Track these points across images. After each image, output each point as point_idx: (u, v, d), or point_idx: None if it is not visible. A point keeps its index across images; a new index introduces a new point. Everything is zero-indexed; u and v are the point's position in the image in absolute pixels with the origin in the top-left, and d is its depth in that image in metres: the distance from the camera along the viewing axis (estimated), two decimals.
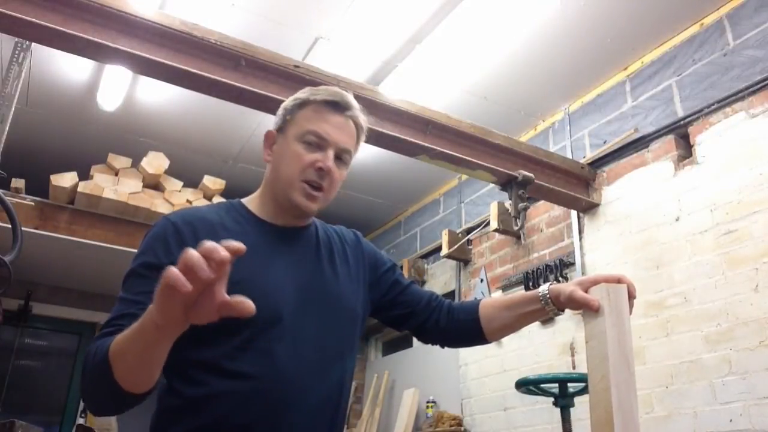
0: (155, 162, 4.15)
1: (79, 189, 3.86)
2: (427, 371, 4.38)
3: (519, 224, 3.09)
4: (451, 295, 4.30)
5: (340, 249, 1.26)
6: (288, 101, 1.23)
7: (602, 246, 3.29)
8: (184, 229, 1.09)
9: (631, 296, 1.11)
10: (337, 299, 1.18)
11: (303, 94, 1.21)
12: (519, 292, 1.29)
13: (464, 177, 4.40)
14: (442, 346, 1.39)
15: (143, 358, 0.84)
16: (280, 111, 1.23)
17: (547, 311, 1.20)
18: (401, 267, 4.65)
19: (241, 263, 1.07)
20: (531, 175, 3.05)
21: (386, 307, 1.32)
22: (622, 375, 1.02)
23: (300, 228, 1.21)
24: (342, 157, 1.17)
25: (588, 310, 1.09)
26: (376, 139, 2.82)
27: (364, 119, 1.22)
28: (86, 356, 0.94)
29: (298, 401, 1.06)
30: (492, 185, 3.42)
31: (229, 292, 1.03)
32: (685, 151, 3.04)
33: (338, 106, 1.17)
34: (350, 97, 1.20)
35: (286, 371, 1.05)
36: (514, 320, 1.26)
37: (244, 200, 1.23)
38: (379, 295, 1.31)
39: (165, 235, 1.09)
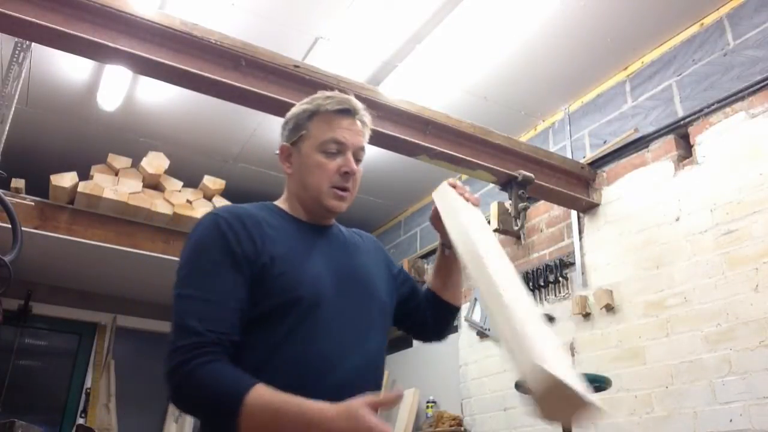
0: (155, 162, 4.15)
1: (79, 189, 3.86)
2: (427, 371, 4.38)
3: (519, 224, 3.09)
4: None
5: (365, 247, 1.37)
6: (296, 113, 1.27)
7: (602, 246, 3.29)
8: (234, 222, 1.14)
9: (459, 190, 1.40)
10: (370, 289, 1.27)
11: (309, 105, 1.26)
12: None
13: (464, 177, 4.40)
14: (438, 338, 1.51)
15: None
16: (289, 124, 1.28)
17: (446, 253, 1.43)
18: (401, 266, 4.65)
19: (284, 254, 1.15)
20: (531, 175, 3.05)
21: (407, 314, 1.44)
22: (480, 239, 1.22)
23: (328, 226, 1.31)
24: (359, 156, 1.27)
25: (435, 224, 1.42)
26: (376, 139, 2.79)
27: (369, 117, 1.31)
28: (194, 374, 0.96)
29: (340, 379, 1.11)
30: (492, 185, 3.42)
31: (275, 280, 1.11)
32: (685, 151, 3.04)
33: (348, 112, 1.26)
34: (356, 101, 1.28)
35: (328, 351, 1.11)
36: (444, 276, 1.46)
37: (275, 203, 1.30)
38: (400, 300, 1.40)
39: (219, 228, 1.12)
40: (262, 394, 0.91)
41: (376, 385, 1.20)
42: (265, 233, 1.16)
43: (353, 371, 1.13)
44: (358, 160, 1.27)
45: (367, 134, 1.31)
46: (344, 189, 1.24)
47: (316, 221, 1.28)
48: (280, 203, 1.30)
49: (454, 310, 1.48)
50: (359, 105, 1.28)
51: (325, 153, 1.23)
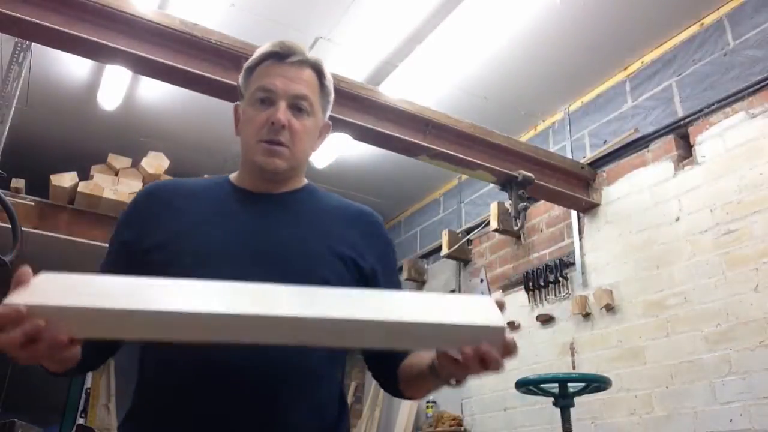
0: (155, 162, 4.15)
1: (79, 189, 3.85)
2: None
3: (519, 224, 3.09)
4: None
5: (334, 220, 1.13)
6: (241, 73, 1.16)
7: (602, 246, 3.29)
8: (140, 202, 1.11)
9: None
10: (298, 264, 1.02)
11: (250, 59, 1.15)
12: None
13: (464, 177, 4.40)
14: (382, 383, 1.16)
15: None
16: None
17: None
18: (401, 267, 4.65)
19: (181, 231, 1.03)
20: (531, 175, 3.06)
21: None
22: None
23: (281, 194, 1.11)
24: (300, 105, 1.07)
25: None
26: (376, 139, 2.82)
27: (319, 61, 1.13)
28: None
29: (223, 364, 0.92)
30: (492, 185, 3.42)
31: (168, 242, 1.01)
32: (685, 151, 3.04)
33: (279, 55, 1.09)
34: (293, 43, 1.11)
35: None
36: (420, 385, 1.06)
37: (231, 174, 1.18)
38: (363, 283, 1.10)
39: (125, 209, 1.13)
40: None
41: (299, 364, 0.96)
42: (167, 211, 1.05)
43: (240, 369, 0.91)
44: (299, 110, 1.07)
45: (321, 82, 1.12)
46: (276, 143, 1.05)
47: (265, 188, 1.10)
48: (233, 173, 1.15)
49: (402, 397, 1.14)
50: (297, 47, 1.10)
51: (256, 104, 1.07)
